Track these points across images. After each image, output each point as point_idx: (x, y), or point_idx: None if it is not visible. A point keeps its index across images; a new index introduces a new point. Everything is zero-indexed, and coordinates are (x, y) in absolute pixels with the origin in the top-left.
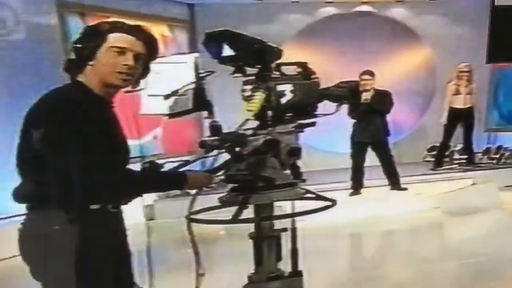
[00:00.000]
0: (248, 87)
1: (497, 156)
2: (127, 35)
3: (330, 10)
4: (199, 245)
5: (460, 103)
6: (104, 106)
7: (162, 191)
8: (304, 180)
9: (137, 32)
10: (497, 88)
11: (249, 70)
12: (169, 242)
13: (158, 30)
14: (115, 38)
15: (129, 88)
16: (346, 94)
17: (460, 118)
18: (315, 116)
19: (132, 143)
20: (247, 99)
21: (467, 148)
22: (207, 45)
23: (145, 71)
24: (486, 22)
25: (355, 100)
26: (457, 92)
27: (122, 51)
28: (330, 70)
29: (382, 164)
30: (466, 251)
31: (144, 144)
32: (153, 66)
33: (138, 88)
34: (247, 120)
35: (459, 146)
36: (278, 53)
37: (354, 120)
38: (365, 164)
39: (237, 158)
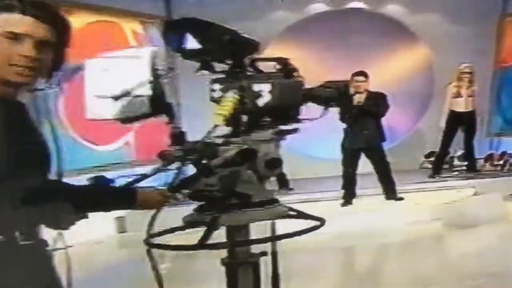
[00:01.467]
0: (218, 86)
1: (501, 162)
2: (23, 16)
3: (320, 7)
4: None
5: (461, 106)
6: (4, 108)
7: (106, 211)
8: (291, 189)
9: (38, 11)
10: (500, 90)
11: (219, 67)
12: (141, 257)
13: (129, 26)
14: (6, 21)
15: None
16: (334, 95)
17: (461, 122)
18: (298, 120)
19: (102, 149)
20: (217, 101)
21: (468, 154)
22: (166, 36)
23: (58, 63)
24: (491, 21)
25: (344, 102)
26: (457, 95)
27: (16, 37)
28: (320, 71)
29: (376, 172)
30: (469, 269)
31: (114, 151)
32: (100, 61)
33: (53, 86)
34: (217, 126)
35: (460, 152)
36: (254, 46)
37: (346, 125)
38: (358, 172)
39: (204, 172)
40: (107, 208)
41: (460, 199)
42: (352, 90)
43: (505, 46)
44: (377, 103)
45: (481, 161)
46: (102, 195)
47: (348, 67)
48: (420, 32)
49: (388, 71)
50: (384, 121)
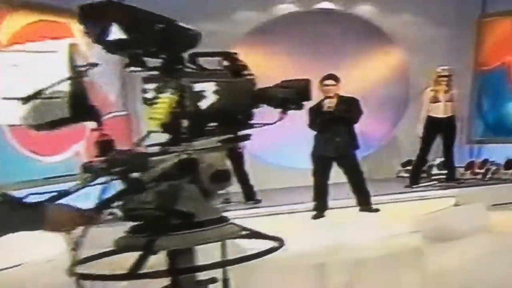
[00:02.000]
0: (151, 86)
1: (482, 171)
2: None
3: (287, 7)
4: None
5: (439, 111)
6: None
7: (5, 233)
8: (258, 201)
9: None
10: (481, 94)
11: (152, 62)
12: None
13: (78, 28)
14: None
15: None
16: (293, 96)
17: (439, 129)
18: (250, 126)
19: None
20: (150, 103)
21: (448, 163)
22: (85, 23)
23: None
24: (470, 21)
25: (303, 105)
26: (435, 99)
27: None
28: (288, 75)
29: (350, 182)
30: (451, 286)
31: (62, 162)
32: (9, 55)
33: None
34: (150, 132)
35: (439, 160)
36: (193, 37)
37: (316, 132)
38: (330, 182)
39: (134, 187)
40: (6, 230)
41: (440, 210)
42: (322, 95)
43: (485, 48)
44: (349, 108)
45: (462, 170)
46: (3, 215)
47: (319, 71)
48: (394, 34)
49: (361, 75)
50: (357, 128)
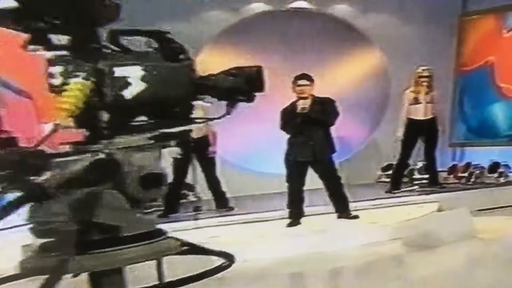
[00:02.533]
0: (58, 69)
1: (465, 174)
2: None
3: (259, 6)
4: None
5: (419, 113)
6: None
7: None
8: (231, 208)
9: None
10: (462, 95)
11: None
12: None
13: None
14: None
15: None
16: (241, 86)
17: (420, 131)
18: (190, 120)
19: None
20: (57, 90)
21: (430, 166)
22: None
23: None
24: (450, 20)
25: (250, 97)
26: (416, 101)
27: None
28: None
29: (326, 188)
30: None
31: None
32: None
33: None
34: (57, 126)
35: (420, 164)
36: (111, 9)
37: (290, 135)
38: (305, 188)
39: (33, 194)
40: None
41: (422, 216)
42: (295, 96)
43: (466, 48)
44: (325, 110)
45: (445, 174)
46: None
47: (293, 72)
48: (372, 34)
49: (338, 77)
50: (334, 131)
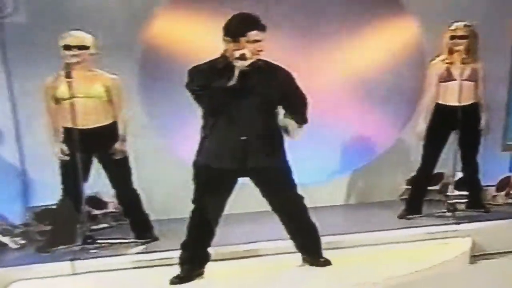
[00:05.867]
0: None
1: None
2: None
3: None
4: None
5: (452, 96)
6: None
7: None
8: (155, 239)
9: None
10: None
11: None
12: None
13: None
14: None
15: None
16: None
17: (454, 124)
18: None
19: None
20: None
21: (470, 178)
22: None
23: None
24: None
25: None
26: (447, 76)
27: None
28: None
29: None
30: None
31: None
32: None
33: None
34: None
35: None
36: None
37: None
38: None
39: None
40: None
41: (434, 265)
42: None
43: None
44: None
45: (492, 190)
46: None
47: (305, 49)
48: None
49: (359, 54)
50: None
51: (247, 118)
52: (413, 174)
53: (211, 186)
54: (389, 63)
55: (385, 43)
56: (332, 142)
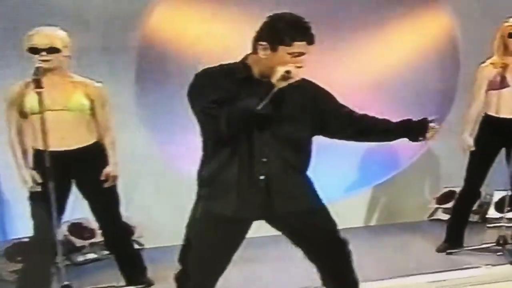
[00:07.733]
0: None
1: None
2: None
3: None
4: None
5: (506, 106)
6: None
7: None
8: (150, 284)
9: None
10: None
11: None
12: None
13: None
14: None
15: None
16: None
17: (506, 137)
18: None
19: None
20: None
21: None
22: None
23: None
24: None
25: None
26: (500, 83)
27: None
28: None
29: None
30: None
31: None
32: None
33: None
34: None
35: (500, 195)
36: None
37: None
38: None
39: None
40: None
41: None
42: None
43: None
44: None
45: None
46: None
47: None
48: None
49: (386, 51)
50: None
51: (273, 151)
52: (447, 189)
53: (216, 240)
54: (417, 62)
55: (415, 38)
56: (349, 153)
